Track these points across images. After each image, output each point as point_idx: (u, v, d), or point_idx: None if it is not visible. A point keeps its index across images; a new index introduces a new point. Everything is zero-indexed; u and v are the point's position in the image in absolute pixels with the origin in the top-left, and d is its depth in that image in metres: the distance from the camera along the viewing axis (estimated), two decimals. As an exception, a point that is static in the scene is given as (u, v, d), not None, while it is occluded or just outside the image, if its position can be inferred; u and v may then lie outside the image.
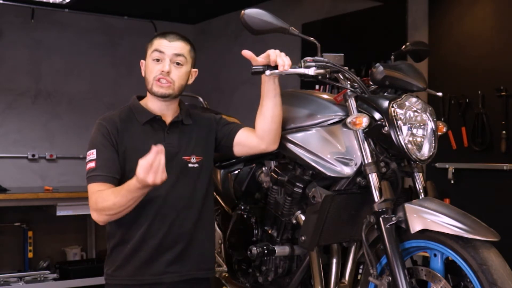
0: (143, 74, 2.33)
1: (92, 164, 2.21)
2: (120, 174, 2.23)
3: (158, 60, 2.27)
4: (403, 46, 2.46)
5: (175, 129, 2.34)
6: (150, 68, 2.28)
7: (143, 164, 1.96)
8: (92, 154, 2.23)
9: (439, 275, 1.97)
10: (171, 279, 2.29)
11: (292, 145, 2.32)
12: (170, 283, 2.29)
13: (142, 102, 2.36)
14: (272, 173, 2.45)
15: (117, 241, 2.30)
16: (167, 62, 2.26)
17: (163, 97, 2.28)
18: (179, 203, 2.28)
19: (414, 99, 2.09)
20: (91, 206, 2.19)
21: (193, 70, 2.37)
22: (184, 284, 2.32)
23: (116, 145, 2.24)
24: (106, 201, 2.13)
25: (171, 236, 2.28)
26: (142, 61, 2.35)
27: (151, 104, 2.33)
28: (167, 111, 2.33)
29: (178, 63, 2.28)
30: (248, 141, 2.36)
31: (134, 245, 2.27)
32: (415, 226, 1.94)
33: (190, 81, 2.37)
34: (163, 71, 2.25)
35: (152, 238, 2.26)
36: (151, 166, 1.95)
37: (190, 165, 2.31)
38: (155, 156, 1.95)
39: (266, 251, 2.38)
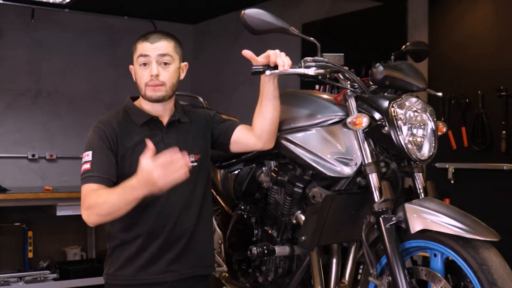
0: (134, 80, 2.30)
1: (87, 166, 2.17)
2: (115, 177, 2.19)
3: (145, 64, 2.23)
4: (403, 46, 2.46)
5: (173, 129, 2.33)
6: (139, 74, 2.25)
7: (163, 159, 1.88)
8: (87, 155, 2.19)
9: (439, 275, 1.97)
10: (173, 277, 2.29)
11: (292, 145, 2.31)
12: (171, 282, 2.29)
13: (137, 103, 2.34)
14: (272, 173, 2.45)
15: (119, 241, 2.29)
16: (154, 65, 2.22)
17: (158, 101, 2.26)
18: (180, 202, 2.28)
19: (414, 99, 2.09)
20: (82, 205, 2.13)
21: (183, 64, 2.33)
22: (185, 282, 2.32)
23: (115, 149, 2.21)
24: (98, 197, 2.08)
25: (173, 235, 2.27)
26: (131, 66, 2.31)
27: (146, 106, 2.30)
28: (163, 112, 2.31)
29: (165, 63, 2.24)
30: (245, 139, 2.36)
31: (138, 245, 2.26)
32: (415, 226, 1.93)
33: (182, 76, 2.33)
34: (152, 75, 2.21)
35: (155, 238, 2.26)
36: (168, 164, 1.88)
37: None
38: (178, 157, 1.88)
39: (266, 251, 2.38)
